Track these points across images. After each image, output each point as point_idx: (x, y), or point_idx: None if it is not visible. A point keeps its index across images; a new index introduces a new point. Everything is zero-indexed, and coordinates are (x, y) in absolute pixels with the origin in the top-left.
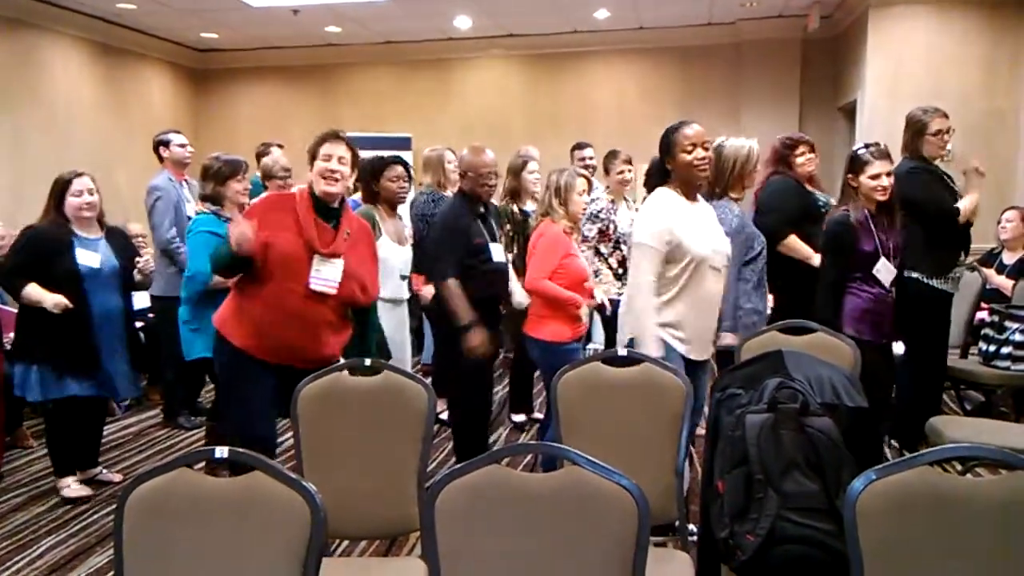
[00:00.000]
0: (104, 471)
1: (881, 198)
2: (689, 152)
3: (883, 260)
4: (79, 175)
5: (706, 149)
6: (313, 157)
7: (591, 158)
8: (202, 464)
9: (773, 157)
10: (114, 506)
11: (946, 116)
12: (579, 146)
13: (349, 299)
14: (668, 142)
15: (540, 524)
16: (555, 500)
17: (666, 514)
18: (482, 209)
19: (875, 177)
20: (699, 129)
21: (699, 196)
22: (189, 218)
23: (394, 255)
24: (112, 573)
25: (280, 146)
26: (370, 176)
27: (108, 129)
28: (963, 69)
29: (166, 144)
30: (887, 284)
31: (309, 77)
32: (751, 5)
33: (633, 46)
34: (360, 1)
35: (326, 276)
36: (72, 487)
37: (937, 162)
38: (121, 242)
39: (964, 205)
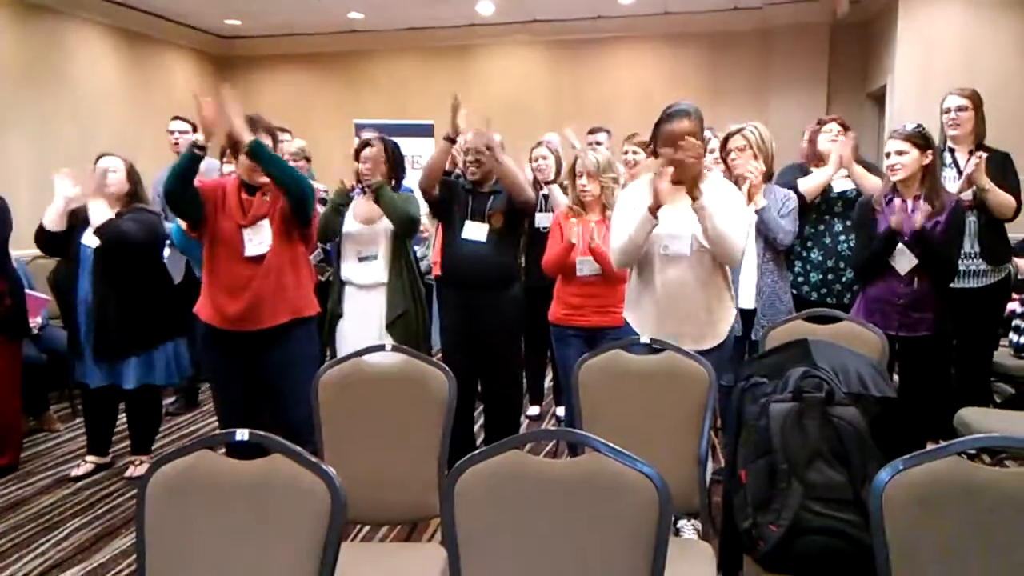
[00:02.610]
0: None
1: (893, 177)
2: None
3: (900, 247)
4: (104, 156)
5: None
6: (237, 148)
7: (600, 143)
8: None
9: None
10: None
11: (960, 93)
12: (592, 130)
13: (291, 238)
14: (655, 133)
15: (561, 511)
16: (576, 487)
17: (688, 503)
18: (470, 186)
19: (887, 156)
20: (682, 125)
21: (705, 177)
22: None
23: (352, 233)
24: (136, 555)
25: (284, 130)
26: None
27: (132, 115)
28: (997, 54)
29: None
30: (902, 272)
31: (332, 64)
32: None
33: (658, 32)
34: None
35: (259, 240)
36: (80, 465)
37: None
38: (124, 220)
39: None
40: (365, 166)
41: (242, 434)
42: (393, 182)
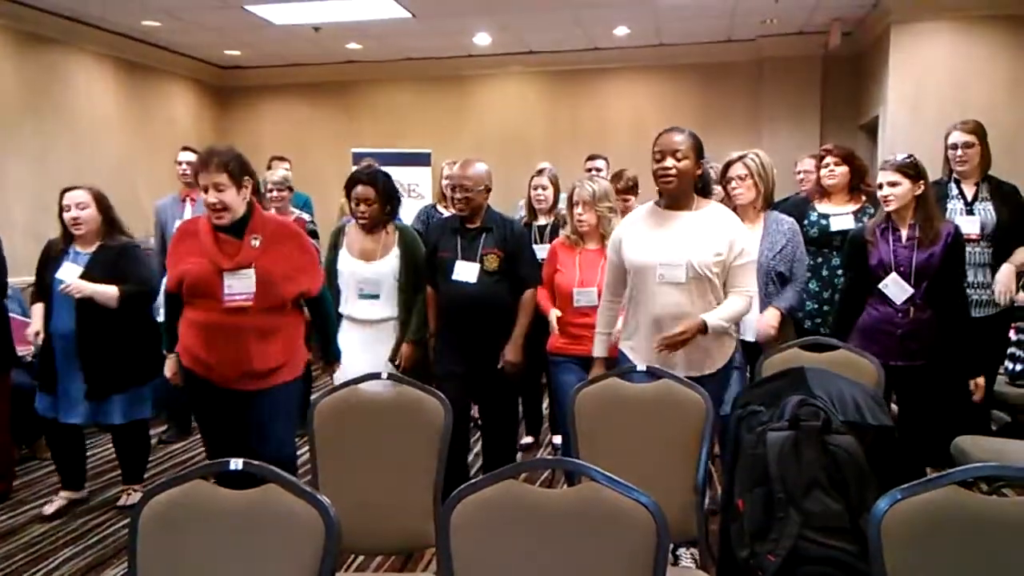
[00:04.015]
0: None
1: (886, 207)
2: (657, 161)
3: (893, 276)
4: (71, 189)
5: (678, 159)
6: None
7: (600, 170)
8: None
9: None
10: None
11: (964, 128)
12: (591, 157)
13: (277, 302)
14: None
15: (557, 540)
16: (572, 516)
17: (685, 532)
18: (459, 224)
19: (879, 187)
20: (673, 138)
21: (706, 204)
22: None
23: (351, 270)
24: None
25: (281, 159)
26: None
27: (132, 145)
28: (988, 85)
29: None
30: (898, 302)
31: (330, 93)
32: (771, 22)
33: (652, 63)
34: (381, 19)
35: (239, 290)
36: (53, 501)
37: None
38: (111, 258)
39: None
40: (358, 208)
41: (236, 464)
42: (388, 209)
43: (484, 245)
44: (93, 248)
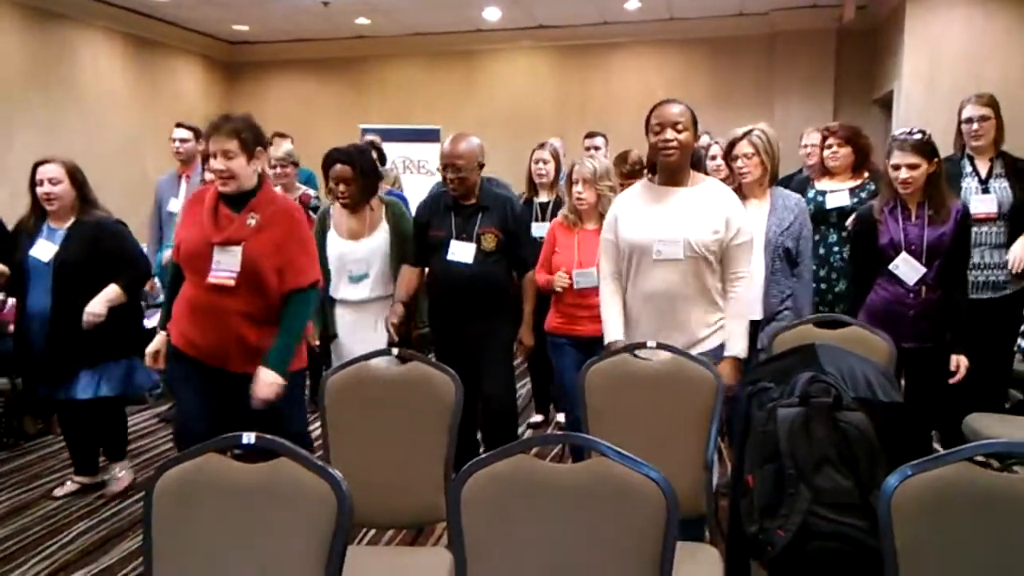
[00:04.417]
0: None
1: (903, 191)
2: (656, 133)
3: (904, 256)
4: (44, 163)
5: (679, 131)
6: (207, 154)
7: (598, 148)
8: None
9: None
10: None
11: (979, 102)
12: (589, 135)
13: (262, 287)
14: (646, 123)
15: (567, 515)
16: (582, 491)
17: (695, 508)
18: (453, 201)
19: (895, 168)
20: (671, 109)
21: (702, 179)
22: (171, 214)
23: (339, 252)
24: (143, 558)
25: (283, 136)
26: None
27: (140, 120)
28: (1004, 60)
29: None
30: (910, 282)
31: (339, 69)
32: None
33: (663, 37)
34: None
35: (225, 266)
36: (65, 485)
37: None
38: (88, 233)
39: None
40: (337, 188)
41: (249, 437)
42: (368, 184)
43: (481, 224)
44: (68, 224)
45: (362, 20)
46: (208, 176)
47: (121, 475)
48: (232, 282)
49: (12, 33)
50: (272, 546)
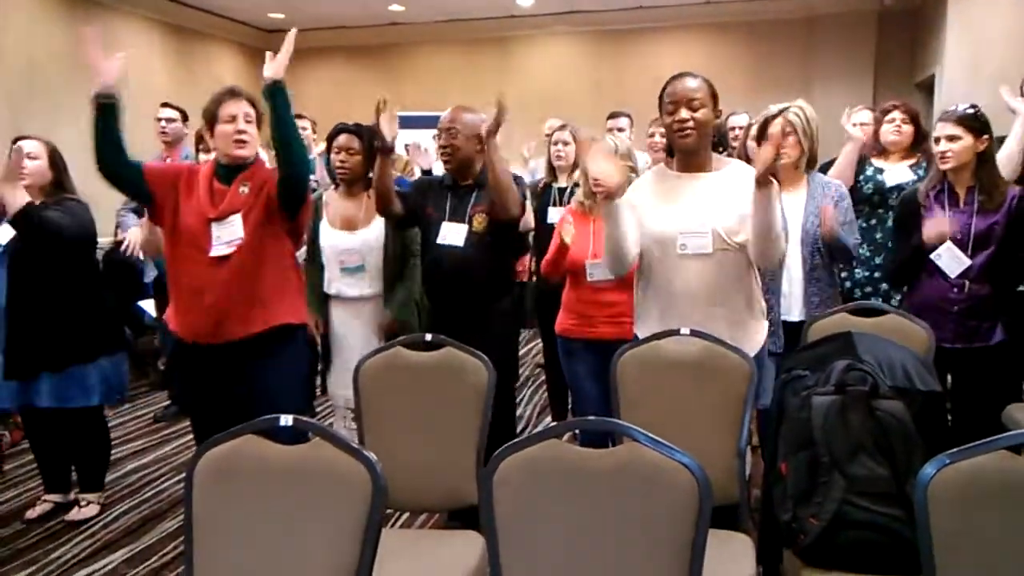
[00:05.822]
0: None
1: (942, 166)
2: (669, 113)
3: (947, 245)
4: (23, 138)
5: (694, 109)
6: (213, 120)
7: (622, 129)
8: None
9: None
10: (184, 473)
11: None
12: (612, 115)
13: (263, 251)
14: (659, 101)
15: (599, 500)
16: (614, 476)
17: (727, 495)
18: (452, 180)
19: (935, 142)
20: (686, 83)
21: (727, 163)
22: None
23: (331, 243)
24: (183, 538)
25: (299, 116)
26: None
27: None
28: None
29: None
30: (952, 275)
31: (373, 56)
32: None
33: (700, 21)
34: None
35: (227, 238)
36: (37, 505)
37: None
38: (41, 213)
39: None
40: (338, 157)
41: (286, 420)
42: (370, 166)
43: (475, 203)
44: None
45: (396, 7)
46: (203, 157)
47: (89, 504)
48: (233, 249)
49: (54, 22)
50: (309, 527)
